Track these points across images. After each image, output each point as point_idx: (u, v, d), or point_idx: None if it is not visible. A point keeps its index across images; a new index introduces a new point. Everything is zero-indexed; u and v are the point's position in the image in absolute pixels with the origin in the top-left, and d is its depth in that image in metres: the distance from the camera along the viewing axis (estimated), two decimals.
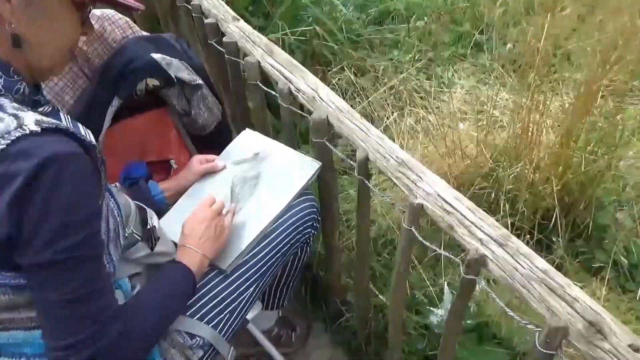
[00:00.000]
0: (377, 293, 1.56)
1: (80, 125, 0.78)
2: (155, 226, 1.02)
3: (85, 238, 0.72)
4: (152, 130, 1.41)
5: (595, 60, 1.24)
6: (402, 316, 1.26)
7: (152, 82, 1.24)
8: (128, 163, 1.39)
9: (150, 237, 1.00)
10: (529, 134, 1.46)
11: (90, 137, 0.78)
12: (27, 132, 0.67)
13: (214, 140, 1.53)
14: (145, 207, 1.07)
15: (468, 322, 1.31)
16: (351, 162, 1.19)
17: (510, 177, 1.49)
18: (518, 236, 1.46)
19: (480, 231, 0.87)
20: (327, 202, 1.35)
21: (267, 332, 1.60)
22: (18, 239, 0.68)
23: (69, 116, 0.78)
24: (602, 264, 1.54)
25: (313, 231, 1.28)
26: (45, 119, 0.70)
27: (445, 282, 1.39)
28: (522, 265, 0.81)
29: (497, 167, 1.56)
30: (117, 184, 1.06)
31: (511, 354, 1.32)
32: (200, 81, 1.36)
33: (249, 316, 1.20)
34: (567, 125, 1.33)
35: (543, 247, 1.58)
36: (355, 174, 1.10)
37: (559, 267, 1.51)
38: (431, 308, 1.35)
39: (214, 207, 1.09)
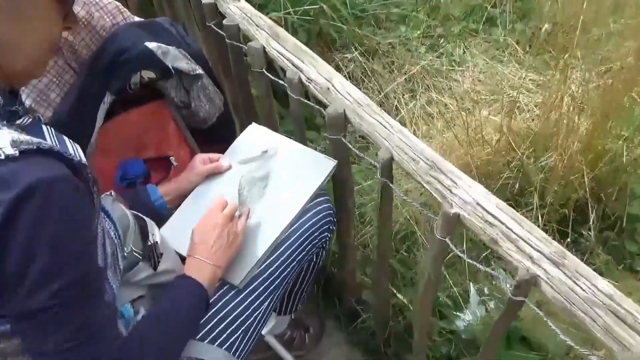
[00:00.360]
0: (395, 292, 1.46)
1: (66, 139, 0.67)
2: (157, 242, 0.91)
3: (79, 276, 0.61)
4: (149, 124, 1.28)
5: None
6: (429, 324, 1.16)
7: (148, 74, 1.11)
8: (124, 161, 1.28)
9: (152, 253, 0.90)
10: (560, 119, 1.35)
11: (79, 154, 0.66)
12: (2, 157, 0.55)
13: (216, 133, 1.41)
14: (145, 218, 0.96)
15: None
16: (371, 161, 1.08)
17: (540, 166, 1.38)
18: (546, 231, 1.36)
19: (530, 247, 0.76)
20: (342, 200, 1.25)
21: (279, 336, 1.52)
22: (0, 285, 0.57)
23: (52, 129, 0.66)
24: (633, 256, 1.45)
25: (329, 235, 1.17)
26: (23, 137, 0.58)
27: (471, 283, 1.30)
28: (581, 288, 0.71)
29: (523, 155, 1.45)
30: (112, 192, 0.95)
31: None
32: (200, 70, 1.23)
33: (264, 330, 1.10)
34: (604, 110, 1.21)
35: (569, 240, 1.49)
36: (378, 177, 0.99)
37: (588, 260, 1.42)
38: (457, 313, 1.25)
39: (225, 212, 0.98)
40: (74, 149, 0.66)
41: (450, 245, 0.87)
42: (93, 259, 0.64)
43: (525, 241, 0.77)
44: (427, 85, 2.08)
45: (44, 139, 0.63)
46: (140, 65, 1.09)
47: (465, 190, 0.85)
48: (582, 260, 0.75)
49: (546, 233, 0.78)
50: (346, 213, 1.27)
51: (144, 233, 0.93)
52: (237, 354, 0.97)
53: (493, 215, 0.81)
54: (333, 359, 1.59)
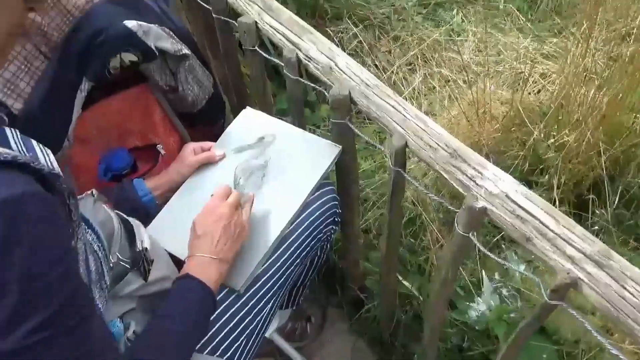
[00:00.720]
0: (401, 279, 1.39)
1: (35, 144, 0.56)
2: (147, 248, 0.81)
3: (61, 306, 0.51)
4: (133, 111, 1.17)
5: None
6: (442, 322, 1.09)
7: (128, 57, 1.00)
8: (107, 152, 1.17)
9: (142, 262, 0.80)
10: (575, 92, 1.26)
11: (51, 161, 0.56)
12: None
13: (206, 118, 1.30)
14: (132, 221, 0.86)
15: (511, 315, 1.15)
16: (379, 147, 0.99)
17: (553, 144, 1.30)
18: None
19: (569, 245, 0.68)
20: (345, 187, 1.16)
21: (280, 329, 1.45)
22: None
23: (17, 133, 0.55)
24: None
25: (335, 227, 1.09)
26: None
27: (483, 271, 1.23)
28: (630, 292, 0.63)
29: (534, 131, 1.36)
30: (93, 192, 0.85)
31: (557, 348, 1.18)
32: (186, 50, 1.11)
33: (268, 332, 1.02)
34: (626, 83, 1.12)
35: (582, 217, 1.42)
36: (391, 166, 0.90)
37: (603, 240, 1.35)
38: (469, 303, 1.19)
39: (229, 201, 0.88)
40: (44, 156, 0.55)
41: (475, 242, 0.79)
42: (75, 281, 0.55)
43: (563, 239, 0.69)
44: (426, 58, 1.97)
45: (8, 145, 0.52)
46: (120, 47, 0.97)
47: (492, 181, 0.77)
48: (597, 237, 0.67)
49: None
50: (350, 201, 1.19)
51: (131, 237, 0.83)
52: None
53: (525, 210, 0.73)
54: (337, 349, 1.53)
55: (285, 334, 1.48)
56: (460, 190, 0.79)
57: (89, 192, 0.89)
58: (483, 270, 1.23)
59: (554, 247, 0.69)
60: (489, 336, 1.22)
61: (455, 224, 0.82)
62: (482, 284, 1.22)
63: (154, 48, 1.02)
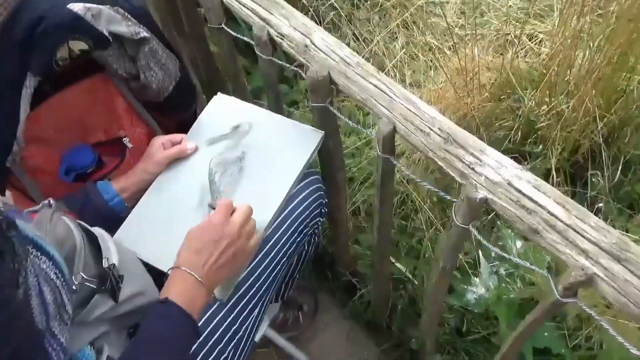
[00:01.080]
0: (394, 261, 1.33)
1: None
2: (114, 264, 0.72)
3: None
4: (91, 103, 1.06)
5: None
6: (441, 309, 1.04)
7: (77, 45, 0.89)
8: (68, 150, 1.07)
9: (110, 279, 0.71)
10: (567, 56, 1.17)
11: None
12: None
13: (176, 105, 1.20)
14: (96, 232, 0.77)
15: (511, 296, 1.10)
16: (366, 132, 0.90)
17: (546, 111, 1.22)
18: (558, 183, 1.23)
19: (582, 237, 0.62)
20: (330, 174, 1.08)
21: (271, 321, 1.38)
22: None
23: None
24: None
25: (321, 219, 1.01)
26: None
27: (480, 252, 1.17)
28: None
29: (525, 99, 1.29)
30: (51, 202, 0.75)
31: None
32: (145, 33, 1.00)
33: (258, 337, 0.96)
34: (625, 42, 1.04)
35: (577, 184, 1.37)
36: (379, 152, 0.82)
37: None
38: (466, 286, 1.13)
39: (235, 219, 0.76)
40: None
41: (475, 233, 0.72)
42: (18, 334, 0.46)
43: (575, 231, 0.62)
44: (407, 24, 1.86)
45: None
46: (66, 35, 0.86)
47: (492, 168, 0.69)
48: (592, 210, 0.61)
49: (557, 184, 0.63)
50: (336, 189, 1.11)
51: (97, 250, 0.74)
52: None
53: (531, 199, 0.66)
54: (331, 336, 1.48)
55: (277, 325, 1.42)
56: (458, 179, 0.72)
57: (46, 202, 0.80)
58: (479, 251, 1.17)
59: (565, 240, 0.62)
60: (488, 317, 1.18)
61: (453, 215, 0.75)
62: (479, 265, 1.16)
63: (106, 33, 0.91)
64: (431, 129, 0.74)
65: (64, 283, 0.61)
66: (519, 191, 0.67)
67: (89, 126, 1.09)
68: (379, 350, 1.41)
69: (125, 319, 0.74)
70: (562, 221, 0.63)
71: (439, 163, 0.73)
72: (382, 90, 0.79)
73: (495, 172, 0.69)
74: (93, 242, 0.75)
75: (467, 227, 0.73)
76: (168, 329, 0.67)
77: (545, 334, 1.12)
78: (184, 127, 1.21)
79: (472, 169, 0.70)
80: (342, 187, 1.12)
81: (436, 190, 0.78)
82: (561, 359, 1.09)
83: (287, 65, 0.97)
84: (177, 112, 1.23)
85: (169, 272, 0.74)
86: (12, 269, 0.49)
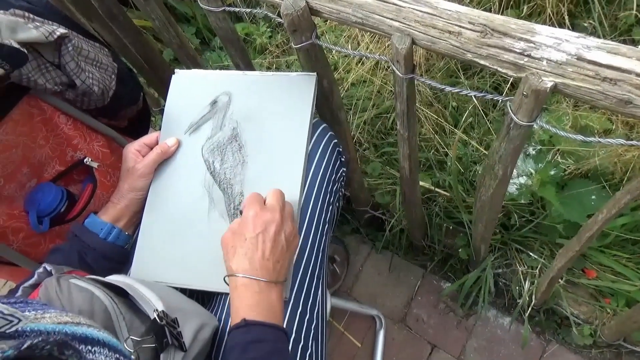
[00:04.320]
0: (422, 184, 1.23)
1: None
2: (162, 310, 0.59)
3: None
4: (31, 133, 0.88)
5: None
6: (498, 214, 0.95)
7: None
8: (28, 196, 0.89)
9: (166, 328, 0.58)
10: None
11: None
12: None
13: (126, 100, 1.02)
14: (116, 282, 0.63)
15: (551, 173, 1.03)
16: (371, 56, 0.76)
17: None
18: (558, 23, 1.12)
19: None
20: (332, 115, 0.94)
21: None
22: None
23: None
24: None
25: (344, 168, 0.89)
26: None
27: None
28: None
29: None
30: (46, 267, 0.60)
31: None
32: (61, 29, 0.80)
33: (328, 315, 0.86)
34: None
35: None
36: (400, 74, 0.68)
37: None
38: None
39: (272, 203, 0.67)
40: None
41: (543, 125, 0.62)
42: None
43: None
44: None
45: None
46: None
47: (551, 47, 0.57)
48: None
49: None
50: (341, 128, 0.98)
51: (131, 303, 0.61)
52: None
53: (611, 67, 0.54)
54: (372, 275, 1.41)
55: None
56: (513, 74, 0.59)
57: (40, 269, 0.65)
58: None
59: None
60: (537, 207, 1.11)
61: (512, 114, 0.63)
62: None
63: (16, 45, 0.72)
64: (460, 27, 0.61)
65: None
66: (594, 63, 0.55)
67: (39, 161, 0.91)
68: (425, 271, 1.36)
69: (198, 359, 0.63)
70: None
71: (483, 62, 0.61)
72: (383, 1, 0.64)
73: (558, 51, 0.57)
74: (120, 295, 0.61)
75: (532, 124, 0.63)
76: (259, 354, 0.57)
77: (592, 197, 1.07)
78: (141, 123, 1.04)
79: (528, 55, 0.58)
80: (346, 127, 0.99)
81: (481, 94, 0.66)
82: None
83: (244, 10, 0.79)
84: (127, 107, 1.05)
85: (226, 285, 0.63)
86: None
